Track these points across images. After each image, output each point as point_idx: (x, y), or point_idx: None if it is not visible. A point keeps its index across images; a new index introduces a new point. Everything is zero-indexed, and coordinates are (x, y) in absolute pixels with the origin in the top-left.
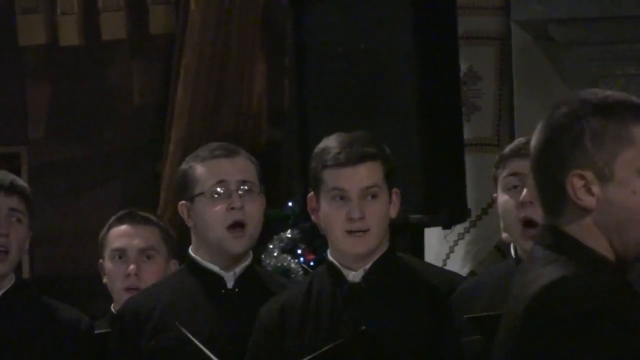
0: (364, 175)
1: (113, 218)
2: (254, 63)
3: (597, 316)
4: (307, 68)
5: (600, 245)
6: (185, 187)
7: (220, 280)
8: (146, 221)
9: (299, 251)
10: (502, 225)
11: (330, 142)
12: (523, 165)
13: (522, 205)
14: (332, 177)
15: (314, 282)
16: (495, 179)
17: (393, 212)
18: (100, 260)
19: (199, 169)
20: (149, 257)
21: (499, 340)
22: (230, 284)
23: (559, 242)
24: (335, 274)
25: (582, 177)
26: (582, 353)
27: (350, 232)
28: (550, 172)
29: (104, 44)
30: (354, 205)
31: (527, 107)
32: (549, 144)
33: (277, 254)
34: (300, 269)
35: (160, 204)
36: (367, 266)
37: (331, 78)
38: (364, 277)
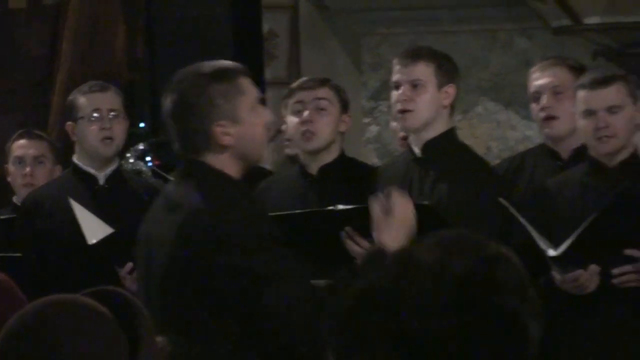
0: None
1: (15, 134)
2: (117, 25)
3: (231, 238)
4: (156, 29)
5: (231, 170)
6: (71, 112)
7: (94, 178)
8: (38, 137)
9: (149, 158)
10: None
11: None
12: (305, 95)
13: (303, 123)
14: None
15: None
16: (285, 106)
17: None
18: (6, 165)
19: (81, 100)
20: (40, 162)
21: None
22: (101, 182)
23: (196, 169)
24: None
25: (222, 126)
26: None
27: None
28: (193, 124)
29: (9, 11)
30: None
31: (310, 56)
32: (187, 105)
33: (133, 161)
34: (149, 171)
35: (49, 125)
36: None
37: (172, 36)
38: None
